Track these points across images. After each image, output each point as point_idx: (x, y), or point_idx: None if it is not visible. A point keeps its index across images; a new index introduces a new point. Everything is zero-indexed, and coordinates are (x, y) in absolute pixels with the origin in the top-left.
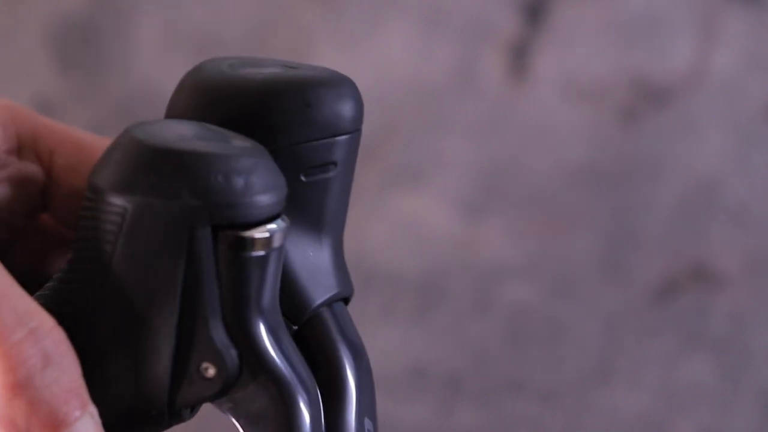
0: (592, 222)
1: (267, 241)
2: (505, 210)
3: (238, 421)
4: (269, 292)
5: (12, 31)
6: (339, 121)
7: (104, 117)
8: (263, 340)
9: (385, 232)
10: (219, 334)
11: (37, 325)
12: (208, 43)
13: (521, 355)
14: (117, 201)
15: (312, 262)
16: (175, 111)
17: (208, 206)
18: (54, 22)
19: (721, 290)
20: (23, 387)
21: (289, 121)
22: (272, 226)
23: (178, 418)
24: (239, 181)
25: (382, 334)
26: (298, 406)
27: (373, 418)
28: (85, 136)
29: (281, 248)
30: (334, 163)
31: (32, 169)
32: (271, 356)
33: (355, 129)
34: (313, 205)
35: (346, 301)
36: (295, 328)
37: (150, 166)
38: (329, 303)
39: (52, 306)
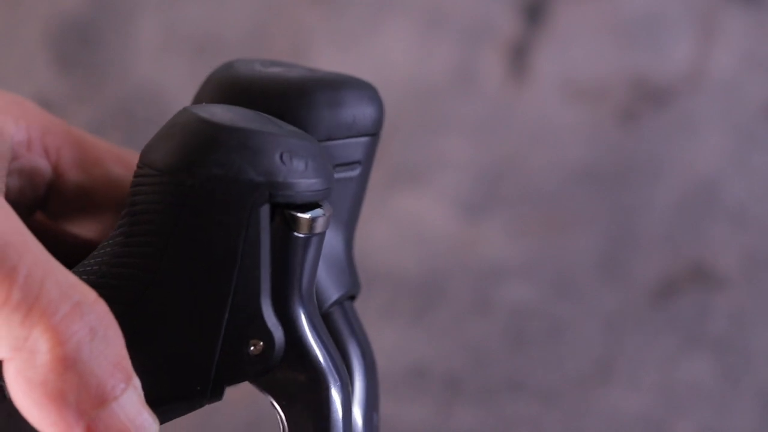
0: (592, 222)
1: (320, 224)
2: (505, 210)
3: (276, 402)
4: (313, 276)
5: (12, 31)
6: (365, 122)
7: (104, 117)
8: (304, 322)
9: (385, 232)
10: (269, 312)
11: (81, 298)
12: (208, 44)
13: (521, 355)
14: (180, 177)
15: (333, 258)
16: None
17: (270, 184)
18: (54, 22)
19: (721, 290)
20: (73, 360)
21: (320, 117)
22: (323, 209)
23: (218, 397)
24: (300, 163)
25: (382, 334)
26: (332, 390)
27: (378, 413)
28: (89, 136)
29: (324, 234)
30: (359, 162)
31: (41, 162)
32: (312, 339)
33: (377, 131)
34: (336, 202)
35: (352, 298)
36: None
37: (216, 142)
38: (342, 299)
39: (95, 280)
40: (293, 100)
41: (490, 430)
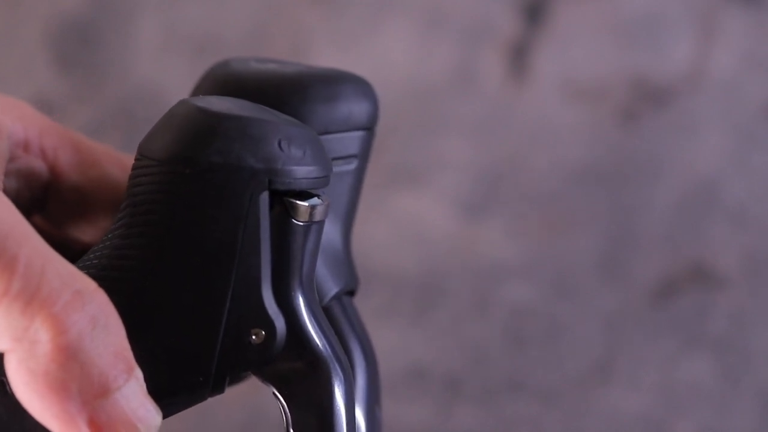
0: (592, 222)
1: (319, 211)
2: (504, 210)
3: (278, 391)
4: (313, 265)
5: (12, 31)
6: (361, 116)
7: (104, 117)
8: (305, 311)
9: (384, 232)
10: (270, 301)
11: (81, 287)
12: (208, 44)
13: (521, 355)
14: (180, 166)
15: (331, 252)
16: None
17: (269, 171)
18: (54, 22)
19: (721, 290)
20: (75, 349)
21: (316, 111)
22: (322, 198)
23: (220, 388)
24: (298, 150)
25: (382, 334)
26: (334, 378)
27: (380, 407)
28: (86, 138)
29: (323, 223)
30: (355, 156)
31: (38, 164)
32: (313, 327)
33: (373, 125)
34: (334, 195)
35: (352, 293)
36: None
37: (215, 130)
38: (341, 294)
39: (95, 273)
40: (289, 94)
41: (490, 430)
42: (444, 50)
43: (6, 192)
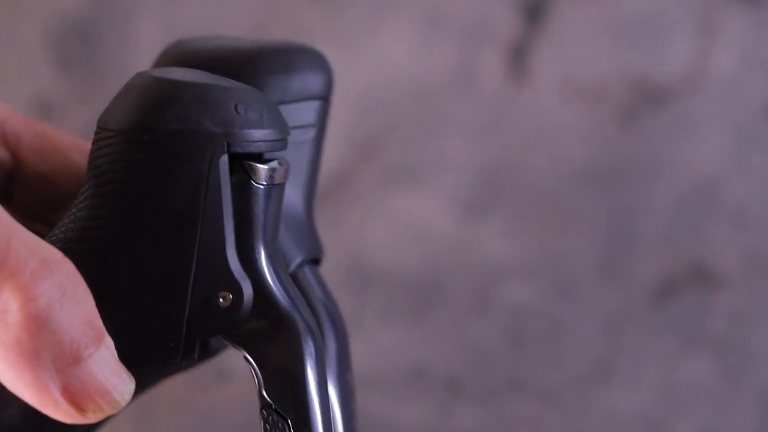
0: (591, 222)
1: (279, 174)
2: (504, 210)
3: (249, 354)
4: (276, 229)
5: (12, 31)
6: (316, 86)
7: None
8: (271, 273)
9: (384, 232)
10: (235, 263)
11: (48, 256)
12: None
13: (521, 355)
14: (138, 134)
15: (293, 220)
16: None
17: (227, 134)
18: (54, 22)
19: (721, 290)
20: (45, 318)
21: (271, 82)
22: (281, 161)
23: (191, 354)
24: (255, 113)
25: (382, 334)
26: (303, 338)
27: (352, 373)
28: (48, 127)
29: (284, 186)
30: (312, 126)
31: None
32: (279, 288)
33: (328, 95)
34: (294, 165)
35: (317, 262)
36: None
37: (172, 97)
38: (306, 263)
39: (61, 246)
40: (244, 67)
41: (490, 430)
42: (444, 50)
43: None
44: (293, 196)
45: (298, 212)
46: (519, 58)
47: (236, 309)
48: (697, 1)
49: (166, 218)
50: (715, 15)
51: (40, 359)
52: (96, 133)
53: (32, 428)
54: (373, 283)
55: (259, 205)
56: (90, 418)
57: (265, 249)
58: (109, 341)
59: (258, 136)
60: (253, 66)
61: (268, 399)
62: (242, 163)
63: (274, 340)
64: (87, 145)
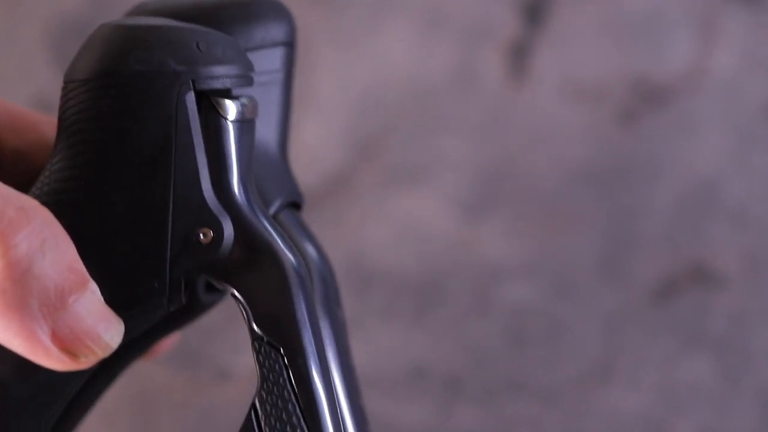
0: (591, 222)
1: (248, 109)
2: (504, 210)
3: (237, 291)
4: (249, 165)
5: (12, 31)
6: (278, 32)
7: None
8: (249, 207)
9: (384, 232)
10: (212, 200)
11: (24, 204)
12: None
13: (521, 355)
14: (104, 81)
15: (268, 162)
16: None
17: (191, 72)
18: (54, 22)
19: (721, 290)
20: (27, 265)
21: (234, 31)
22: (248, 96)
23: (177, 295)
24: (218, 50)
25: (382, 334)
26: (288, 265)
27: (342, 309)
28: (18, 105)
29: (254, 122)
30: (278, 71)
31: None
32: (259, 220)
33: (291, 41)
34: (265, 107)
35: (298, 206)
36: None
37: (134, 41)
38: (286, 205)
39: (39, 200)
40: (206, 18)
41: (490, 430)
42: (444, 50)
43: None
44: (266, 138)
45: (272, 154)
46: (519, 58)
47: (217, 244)
48: (697, 1)
49: (138, 161)
50: (715, 15)
51: (26, 307)
52: (63, 89)
53: (27, 382)
54: (373, 283)
55: (231, 141)
56: (83, 363)
57: (241, 184)
58: (93, 286)
59: (222, 71)
60: (215, 17)
61: (259, 331)
62: (210, 100)
63: (258, 271)
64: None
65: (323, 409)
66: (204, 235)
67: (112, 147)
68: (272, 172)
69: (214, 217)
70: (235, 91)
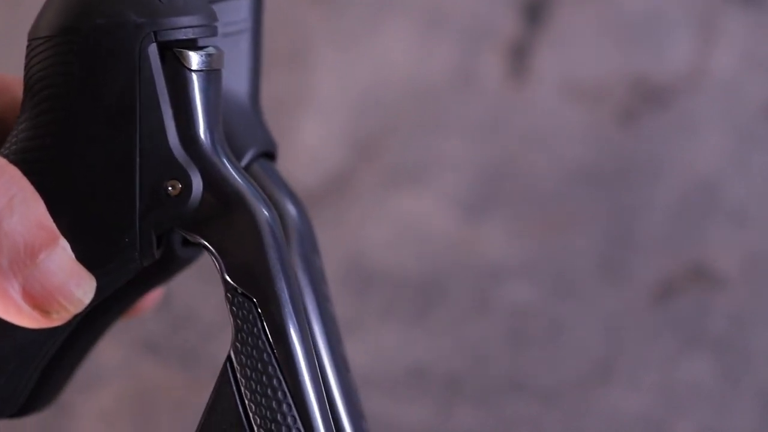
0: (592, 222)
1: (213, 59)
2: (505, 210)
3: (208, 242)
4: (217, 116)
5: (12, 31)
6: None
7: None
8: (216, 157)
9: (384, 232)
10: (179, 151)
11: None
12: None
13: (521, 355)
14: (67, 36)
15: (239, 112)
16: None
17: (153, 23)
18: None
19: (721, 290)
20: None
21: None
22: (214, 46)
23: (149, 249)
24: (180, 1)
25: (382, 334)
26: (257, 215)
27: (320, 257)
28: None
29: (220, 72)
30: (245, 20)
31: None
32: (226, 170)
33: None
34: (234, 57)
35: (272, 157)
36: None
37: None
38: (259, 156)
39: (8, 156)
40: None
41: (490, 430)
42: (444, 50)
43: None
44: (236, 89)
45: (243, 105)
46: (519, 58)
47: (186, 196)
48: (697, 1)
49: (103, 116)
50: (715, 15)
51: None
52: (27, 47)
53: (2, 342)
54: (373, 283)
55: (195, 92)
56: (55, 320)
57: (209, 135)
58: (63, 242)
59: (184, 22)
60: None
61: (232, 282)
62: (173, 52)
63: (229, 221)
64: None
65: (299, 357)
66: (172, 187)
67: (77, 103)
68: (244, 123)
69: (182, 169)
70: (201, 42)
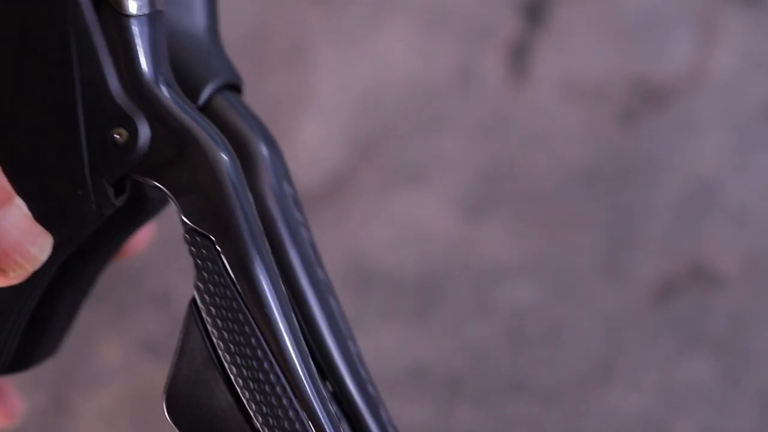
0: (592, 222)
1: (147, 2)
2: (505, 210)
3: (163, 185)
4: (162, 58)
5: None
6: None
7: None
8: (163, 100)
9: (384, 232)
10: (122, 98)
11: None
12: None
13: (521, 355)
14: None
15: (194, 45)
16: None
17: None
18: None
19: (721, 290)
20: None
21: None
22: None
23: (105, 199)
24: None
25: (382, 334)
26: (210, 153)
27: (292, 184)
28: None
29: (161, 14)
30: None
31: None
32: (174, 111)
33: None
34: None
35: (237, 90)
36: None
37: None
38: (223, 87)
39: None
40: None
41: (490, 430)
42: (444, 50)
43: None
44: (190, 24)
45: (200, 39)
46: (519, 58)
47: (133, 143)
48: (697, 1)
49: (40, 68)
50: (715, 15)
51: None
52: None
53: None
54: (373, 283)
55: (134, 36)
56: (12, 278)
57: (154, 78)
58: (18, 200)
59: None
60: None
61: (189, 223)
62: None
63: (182, 162)
64: None
65: (263, 288)
66: (119, 135)
67: (11, 59)
68: (200, 58)
69: (126, 116)
70: None
